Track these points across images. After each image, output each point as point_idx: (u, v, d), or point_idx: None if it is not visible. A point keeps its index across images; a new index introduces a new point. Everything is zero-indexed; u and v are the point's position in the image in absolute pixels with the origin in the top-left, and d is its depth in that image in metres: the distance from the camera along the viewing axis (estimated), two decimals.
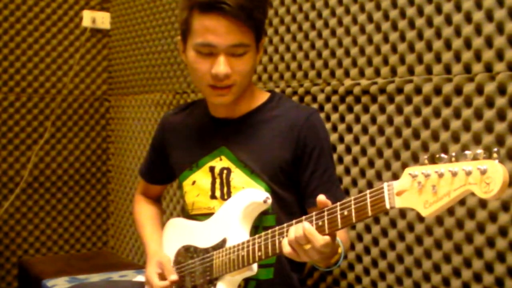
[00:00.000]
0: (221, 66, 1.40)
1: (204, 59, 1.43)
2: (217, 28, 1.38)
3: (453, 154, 0.98)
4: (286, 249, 1.23)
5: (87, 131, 3.17)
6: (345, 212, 1.15)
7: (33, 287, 2.69)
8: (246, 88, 1.52)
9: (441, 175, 0.99)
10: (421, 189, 1.02)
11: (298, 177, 1.51)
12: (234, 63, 1.42)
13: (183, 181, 1.62)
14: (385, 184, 1.08)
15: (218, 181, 1.54)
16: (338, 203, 1.17)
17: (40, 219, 3.06)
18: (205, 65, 1.43)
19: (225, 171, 1.53)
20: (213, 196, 1.54)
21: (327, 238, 1.18)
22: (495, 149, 0.94)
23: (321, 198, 1.20)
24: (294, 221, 1.24)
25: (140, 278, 2.00)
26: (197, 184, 1.58)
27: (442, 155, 1.00)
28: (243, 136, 1.54)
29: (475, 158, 0.95)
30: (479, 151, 0.95)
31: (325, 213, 1.19)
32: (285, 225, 1.28)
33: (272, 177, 1.49)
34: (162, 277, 1.55)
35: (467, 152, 0.96)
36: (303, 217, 1.23)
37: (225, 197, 1.52)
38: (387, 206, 1.08)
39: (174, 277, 1.52)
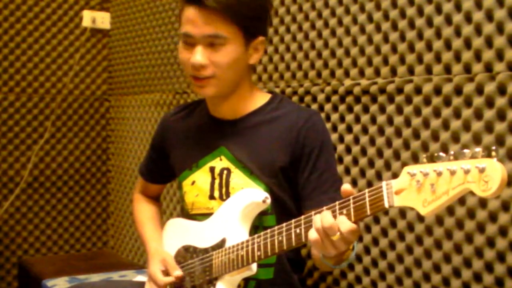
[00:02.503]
0: (197, 55, 1.43)
1: (186, 50, 1.47)
2: (195, 19, 1.43)
3: (452, 152, 0.98)
4: (313, 236, 1.19)
5: (87, 131, 3.17)
6: (344, 211, 1.15)
7: (33, 287, 2.69)
8: (239, 87, 1.52)
9: (439, 174, 0.99)
10: (419, 188, 1.02)
11: (296, 179, 1.51)
12: (211, 55, 1.44)
13: (183, 181, 1.62)
14: (384, 183, 1.08)
15: (217, 181, 1.54)
16: (337, 202, 1.17)
17: (40, 219, 3.06)
18: (187, 55, 1.47)
19: (225, 171, 1.53)
20: (211, 197, 1.54)
21: (355, 226, 1.15)
22: (494, 148, 0.94)
23: (346, 187, 1.17)
24: (313, 212, 1.21)
25: (140, 278, 2.00)
26: (196, 184, 1.58)
27: (441, 153, 1.00)
28: (242, 137, 1.54)
29: (473, 156, 0.95)
30: (478, 149, 0.95)
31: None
32: (284, 225, 1.28)
33: (272, 178, 1.49)
34: (166, 274, 1.55)
35: (465, 150, 0.96)
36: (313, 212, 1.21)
37: (224, 197, 1.52)
38: (386, 205, 1.08)
39: (178, 272, 1.52)
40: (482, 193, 0.93)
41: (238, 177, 1.51)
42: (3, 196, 2.97)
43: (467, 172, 0.95)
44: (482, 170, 0.93)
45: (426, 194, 1.01)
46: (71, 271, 2.64)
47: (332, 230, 1.15)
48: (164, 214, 2.58)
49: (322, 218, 1.17)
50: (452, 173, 0.97)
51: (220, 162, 1.54)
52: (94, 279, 2.43)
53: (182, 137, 1.65)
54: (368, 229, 1.70)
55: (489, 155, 0.94)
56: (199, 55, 1.43)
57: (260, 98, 1.58)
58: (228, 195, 1.51)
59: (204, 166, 1.57)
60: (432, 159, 1.01)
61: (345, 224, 1.14)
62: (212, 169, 1.55)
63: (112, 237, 3.19)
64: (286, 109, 1.55)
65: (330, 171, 1.51)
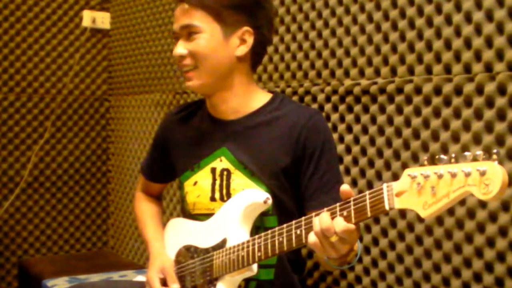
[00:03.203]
0: (176, 47, 1.52)
1: (174, 45, 1.54)
2: (177, 15, 1.53)
3: (453, 155, 0.98)
4: (312, 239, 1.19)
5: (87, 131, 3.17)
6: (345, 213, 1.15)
7: (33, 287, 2.69)
8: (235, 85, 1.53)
9: (440, 176, 0.99)
10: (420, 190, 1.02)
11: (298, 179, 1.50)
12: (188, 44, 1.50)
13: (185, 181, 1.61)
14: (385, 185, 1.08)
15: (218, 182, 1.54)
16: (338, 204, 1.17)
17: (40, 219, 3.06)
18: (174, 48, 1.54)
19: (225, 173, 1.53)
20: (212, 198, 1.54)
21: (351, 226, 1.15)
22: (495, 150, 0.94)
23: (345, 188, 1.17)
24: (314, 213, 1.21)
25: (140, 278, 2.00)
26: (198, 185, 1.58)
27: (442, 156, 1.00)
28: (243, 137, 1.54)
29: (474, 159, 0.95)
30: (479, 152, 0.95)
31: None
32: (284, 226, 1.28)
33: (273, 180, 1.49)
34: (163, 282, 1.55)
35: (466, 153, 0.96)
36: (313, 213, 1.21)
37: (225, 198, 1.52)
38: (387, 207, 1.08)
39: (175, 286, 1.52)
40: (483, 196, 0.93)
41: (239, 178, 1.51)
42: (3, 196, 2.97)
43: (468, 175, 0.95)
44: (483, 173, 0.93)
45: (427, 197, 1.01)
46: (71, 271, 2.64)
47: (329, 232, 1.15)
48: (164, 214, 2.57)
49: (320, 220, 1.17)
50: (453, 175, 0.97)
51: (220, 163, 1.54)
52: (94, 279, 2.43)
53: (183, 137, 1.65)
54: (368, 229, 1.70)
55: (490, 158, 0.94)
56: (178, 47, 1.51)
57: (261, 98, 1.58)
58: (229, 196, 1.51)
59: (206, 167, 1.56)
60: (433, 161, 1.01)
61: (339, 224, 1.14)
62: (213, 170, 1.55)
63: (112, 237, 3.19)
64: (287, 109, 1.54)
65: (332, 172, 1.50)
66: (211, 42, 1.48)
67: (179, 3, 1.52)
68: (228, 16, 1.48)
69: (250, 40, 1.51)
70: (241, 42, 1.50)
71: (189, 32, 1.49)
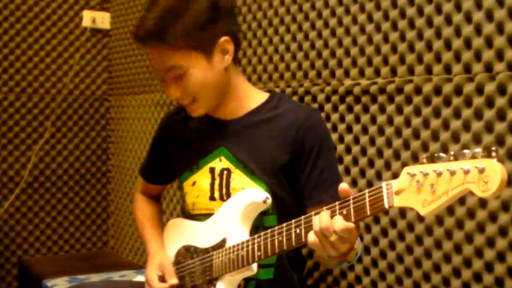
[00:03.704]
0: (170, 92, 1.49)
1: (165, 85, 1.51)
2: (151, 58, 1.49)
3: (452, 153, 0.98)
4: (311, 238, 1.19)
5: (87, 131, 3.17)
6: (344, 212, 1.15)
7: (33, 287, 2.69)
8: (232, 88, 1.53)
9: (439, 174, 0.99)
10: (419, 188, 1.02)
11: (297, 178, 1.50)
12: (180, 84, 1.47)
13: (184, 181, 1.62)
14: (384, 183, 1.08)
15: (217, 182, 1.54)
16: (337, 202, 1.17)
17: (40, 219, 3.06)
18: (167, 90, 1.51)
19: (225, 172, 1.53)
20: (212, 198, 1.54)
21: (351, 225, 1.14)
22: (494, 148, 0.94)
23: (343, 186, 1.17)
24: (313, 212, 1.21)
25: (140, 278, 2.00)
26: (197, 185, 1.58)
27: (441, 154, 1.00)
28: (242, 136, 1.54)
29: (473, 157, 0.95)
30: (478, 149, 0.95)
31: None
32: (284, 225, 1.28)
33: (272, 178, 1.49)
34: (163, 279, 1.55)
35: (465, 151, 0.96)
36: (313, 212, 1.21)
37: (225, 198, 1.52)
38: (386, 205, 1.08)
39: (174, 280, 1.52)
40: (481, 193, 0.93)
41: (239, 178, 1.51)
42: (3, 196, 2.97)
43: (466, 172, 0.95)
44: (481, 171, 0.93)
45: (426, 195, 1.01)
46: (71, 271, 2.64)
47: (328, 231, 1.15)
48: (164, 214, 2.57)
49: (320, 219, 1.17)
50: (452, 173, 0.97)
51: (220, 163, 1.54)
52: (94, 279, 2.43)
53: (182, 138, 1.65)
54: (368, 229, 1.70)
55: (489, 156, 0.94)
56: (171, 91, 1.49)
57: (258, 97, 1.58)
58: (228, 195, 1.51)
59: (204, 167, 1.56)
60: (432, 159, 1.01)
61: (339, 223, 1.14)
62: (212, 170, 1.55)
63: (112, 237, 3.19)
64: (285, 108, 1.55)
65: (331, 169, 1.51)
66: (199, 73, 1.46)
67: (145, 47, 1.47)
68: (202, 38, 1.45)
69: (230, 47, 1.49)
70: (223, 53, 1.48)
71: (175, 75, 1.46)
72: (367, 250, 1.71)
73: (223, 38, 1.47)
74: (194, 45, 1.44)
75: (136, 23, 1.46)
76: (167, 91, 1.50)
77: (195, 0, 1.44)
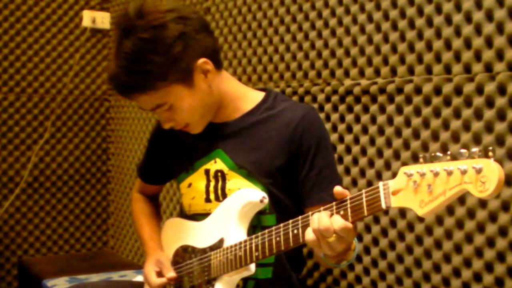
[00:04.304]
0: (162, 123, 1.52)
1: (157, 115, 1.53)
2: (136, 101, 1.50)
3: (449, 153, 0.98)
4: (310, 236, 1.18)
5: (87, 131, 3.17)
6: (341, 212, 1.15)
7: (33, 287, 2.69)
8: (225, 94, 1.53)
9: (436, 174, 0.98)
10: (416, 189, 1.02)
11: (295, 177, 1.50)
12: (170, 115, 1.49)
13: (180, 183, 1.62)
14: (381, 183, 1.08)
15: (212, 184, 1.53)
16: (334, 203, 1.17)
17: (40, 219, 3.06)
18: (159, 120, 1.55)
19: (219, 174, 1.53)
20: (207, 200, 1.54)
21: (349, 224, 1.14)
22: (490, 148, 0.93)
23: (338, 189, 1.17)
24: (310, 213, 1.21)
25: (139, 278, 2.00)
26: (193, 187, 1.57)
27: (438, 153, 0.99)
28: (238, 138, 1.53)
29: (470, 156, 0.94)
30: (475, 149, 0.94)
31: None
32: (281, 225, 1.28)
33: (269, 179, 1.48)
34: (160, 275, 1.55)
35: (462, 150, 0.96)
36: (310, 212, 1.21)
37: (220, 199, 1.51)
38: (383, 206, 1.07)
39: (171, 274, 1.52)
40: (479, 194, 0.92)
41: (234, 179, 1.50)
42: (3, 196, 2.97)
43: (464, 172, 0.94)
44: (479, 171, 0.92)
45: (423, 195, 1.00)
46: (71, 271, 2.64)
47: (328, 232, 1.15)
48: (164, 214, 2.57)
49: (320, 219, 1.16)
50: (449, 173, 0.96)
51: (214, 165, 1.54)
52: (94, 279, 2.43)
53: (178, 139, 1.64)
54: (368, 229, 1.70)
55: (486, 156, 0.93)
56: (164, 122, 1.51)
57: (254, 97, 1.57)
58: (224, 197, 1.51)
59: (200, 168, 1.56)
60: (429, 159, 1.00)
61: (337, 222, 1.14)
62: (207, 172, 1.54)
63: (112, 237, 3.19)
64: (281, 107, 1.54)
65: (329, 168, 1.50)
66: (185, 103, 1.45)
67: (133, 99, 1.49)
68: (178, 70, 1.42)
69: (209, 66, 1.46)
70: (204, 74, 1.46)
71: (162, 110, 1.47)
72: (367, 250, 1.71)
73: (200, 61, 1.44)
74: (172, 80, 1.42)
75: (108, 71, 1.46)
76: (160, 121, 1.53)
77: (160, 36, 1.40)
